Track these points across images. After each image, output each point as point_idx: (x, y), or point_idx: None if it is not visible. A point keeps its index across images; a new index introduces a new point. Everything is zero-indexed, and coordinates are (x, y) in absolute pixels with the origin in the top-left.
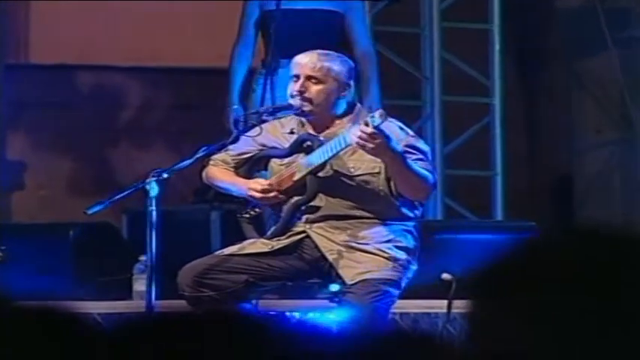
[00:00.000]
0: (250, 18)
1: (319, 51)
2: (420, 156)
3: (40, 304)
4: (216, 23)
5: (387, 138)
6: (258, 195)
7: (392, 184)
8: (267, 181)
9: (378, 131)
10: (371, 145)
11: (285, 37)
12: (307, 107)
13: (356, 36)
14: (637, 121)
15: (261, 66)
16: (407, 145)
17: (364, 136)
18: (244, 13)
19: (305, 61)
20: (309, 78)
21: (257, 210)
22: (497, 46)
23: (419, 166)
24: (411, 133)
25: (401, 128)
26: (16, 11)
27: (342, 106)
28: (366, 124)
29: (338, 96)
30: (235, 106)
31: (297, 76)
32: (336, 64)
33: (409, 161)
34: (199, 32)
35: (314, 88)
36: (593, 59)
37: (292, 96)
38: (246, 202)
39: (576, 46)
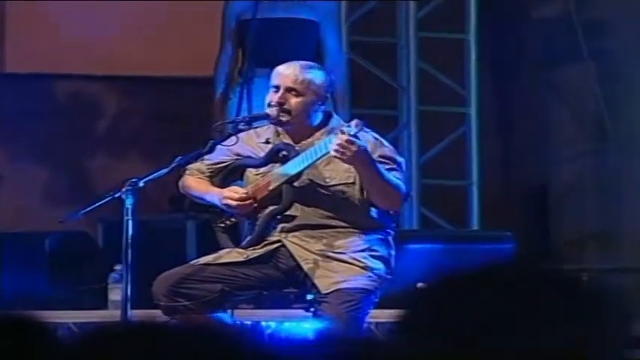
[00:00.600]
0: (228, 30)
1: (301, 62)
2: (394, 166)
3: (10, 313)
4: (192, 33)
5: (362, 147)
6: (233, 203)
7: (365, 192)
8: (244, 190)
9: (354, 140)
10: (348, 154)
11: (261, 46)
12: (285, 118)
13: (328, 46)
14: (612, 132)
15: (237, 75)
16: (381, 156)
17: (342, 144)
18: (223, 24)
19: (287, 73)
20: (289, 90)
21: (232, 220)
22: (473, 56)
23: (392, 176)
24: (385, 143)
25: (376, 138)
26: None
27: (318, 117)
28: (342, 133)
29: (316, 108)
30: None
31: (277, 87)
32: (317, 77)
33: (382, 170)
34: (175, 42)
35: (293, 100)
36: (569, 70)
37: (270, 105)
38: (221, 211)
39: (552, 57)
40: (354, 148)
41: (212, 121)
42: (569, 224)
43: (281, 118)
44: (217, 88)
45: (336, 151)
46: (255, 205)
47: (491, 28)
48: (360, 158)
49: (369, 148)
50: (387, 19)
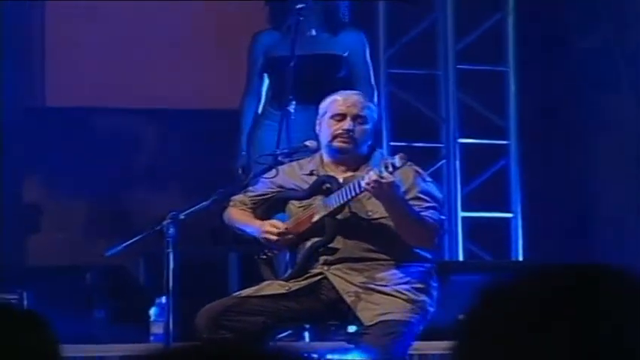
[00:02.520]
0: (255, 67)
1: (356, 92)
2: (433, 204)
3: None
4: (231, 66)
5: (392, 185)
6: (273, 238)
7: None
8: (284, 225)
9: (386, 177)
10: (379, 190)
11: (296, 81)
12: (351, 145)
13: (357, 79)
14: None
15: (267, 108)
16: (421, 191)
17: (375, 179)
18: (249, 63)
19: (352, 101)
20: (355, 118)
21: (274, 252)
22: (512, 88)
23: (426, 215)
24: (427, 178)
25: (418, 173)
26: (33, 56)
27: (366, 149)
28: (386, 166)
29: (369, 138)
30: (244, 153)
31: (343, 115)
32: (373, 107)
33: (411, 210)
34: (214, 75)
35: (359, 128)
36: (609, 99)
37: (336, 135)
38: (263, 243)
39: (592, 87)
40: (385, 185)
41: (236, 153)
42: (611, 256)
43: (348, 146)
44: (245, 121)
45: (367, 184)
46: (295, 239)
47: (529, 59)
48: (388, 196)
49: (409, 182)
50: (426, 52)
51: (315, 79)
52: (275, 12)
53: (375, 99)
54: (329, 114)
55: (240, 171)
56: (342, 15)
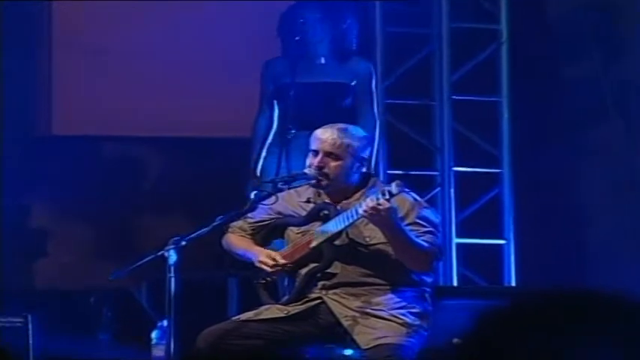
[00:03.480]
0: (266, 93)
1: (339, 126)
2: (430, 228)
3: None
4: (234, 96)
5: (389, 211)
6: (267, 269)
7: None
8: (279, 255)
9: (382, 204)
10: (377, 216)
11: (299, 108)
12: (324, 181)
13: (362, 107)
14: None
15: (274, 136)
16: (418, 217)
17: (372, 206)
18: (261, 89)
19: (325, 137)
20: (327, 154)
21: (273, 277)
22: (505, 117)
23: (424, 240)
24: (424, 204)
25: (415, 199)
26: (40, 85)
27: (357, 178)
28: (383, 194)
29: (354, 170)
30: (256, 177)
31: (316, 152)
32: (355, 140)
33: (409, 235)
34: (218, 104)
35: (332, 164)
36: (599, 127)
37: (310, 169)
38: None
39: (581, 116)
40: (383, 211)
41: (249, 181)
42: (604, 281)
43: (320, 182)
44: (254, 148)
45: (365, 211)
46: (288, 268)
47: (522, 90)
48: (386, 222)
49: (406, 208)
50: (422, 83)
51: (321, 107)
52: (285, 41)
53: (377, 129)
54: (310, 147)
55: (252, 195)
56: (350, 43)
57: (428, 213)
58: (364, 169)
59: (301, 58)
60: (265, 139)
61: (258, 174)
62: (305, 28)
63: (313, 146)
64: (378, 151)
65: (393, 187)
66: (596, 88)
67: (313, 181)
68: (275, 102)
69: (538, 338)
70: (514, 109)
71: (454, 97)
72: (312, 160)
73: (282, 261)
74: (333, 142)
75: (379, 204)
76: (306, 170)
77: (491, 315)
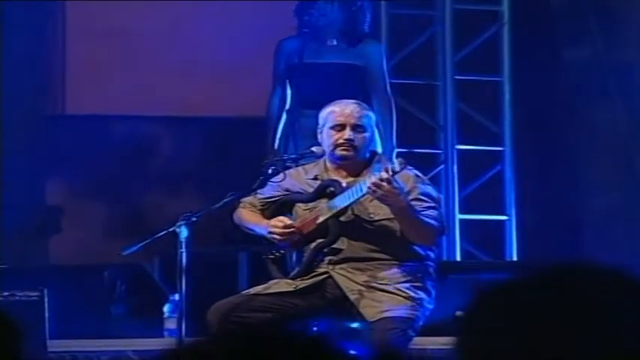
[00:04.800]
0: (278, 73)
1: (355, 101)
2: (432, 204)
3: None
4: (244, 75)
5: (395, 188)
6: (278, 231)
7: None
8: (289, 220)
9: (389, 180)
10: (380, 192)
11: (307, 89)
12: (352, 153)
13: (374, 88)
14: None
15: (284, 115)
16: (421, 193)
17: (376, 183)
18: (273, 69)
19: (349, 111)
20: (355, 127)
21: (282, 251)
22: (507, 97)
23: (427, 215)
24: (426, 181)
25: (417, 176)
26: (53, 65)
27: (367, 154)
28: (387, 171)
29: (370, 145)
30: (273, 152)
31: (342, 125)
32: (372, 114)
33: (414, 210)
34: (228, 83)
35: (360, 136)
36: (599, 107)
37: (337, 145)
38: (271, 243)
39: (582, 95)
40: (386, 187)
41: (268, 158)
42: (602, 256)
43: (348, 154)
44: (269, 129)
45: (369, 188)
46: (299, 236)
47: (523, 70)
48: (391, 198)
49: (410, 185)
50: (426, 63)
51: (330, 87)
52: (301, 20)
53: (393, 109)
54: (328, 125)
55: (270, 171)
56: (361, 25)
57: (429, 189)
58: (374, 146)
59: (313, 39)
60: (279, 117)
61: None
62: (318, 9)
63: (337, 121)
64: (394, 130)
65: (397, 165)
66: (597, 68)
67: (340, 154)
68: (287, 81)
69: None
70: (515, 89)
71: (457, 77)
72: (337, 135)
73: (290, 223)
74: (359, 115)
75: (383, 181)
76: (314, 148)
77: (491, 288)
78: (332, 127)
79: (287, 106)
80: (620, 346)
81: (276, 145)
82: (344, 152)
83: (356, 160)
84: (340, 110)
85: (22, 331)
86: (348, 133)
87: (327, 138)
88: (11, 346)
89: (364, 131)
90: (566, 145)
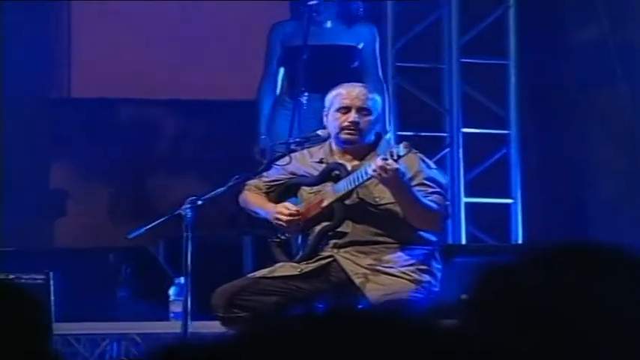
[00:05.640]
0: (273, 55)
1: (362, 84)
2: (437, 189)
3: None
4: (249, 58)
5: (398, 172)
6: (284, 219)
7: None
8: (295, 207)
9: (391, 165)
10: (384, 176)
11: (309, 71)
12: (357, 137)
13: (366, 71)
14: None
15: (283, 98)
16: (426, 178)
17: (381, 166)
18: (267, 51)
19: (355, 93)
20: (360, 109)
21: (286, 235)
22: (513, 80)
23: (431, 200)
24: (431, 165)
25: (422, 160)
26: (58, 48)
27: (371, 138)
28: (391, 155)
29: (375, 128)
30: (263, 137)
31: (348, 108)
32: (377, 97)
33: (417, 195)
34: (233, 67)
35: (365, 119)
36: (605, 90)
37: (343, 127)
38: (276, 227)
39: (588, 79)
40: (391, 172)
41: (257, 142)
42: (607, 238)
43: (353, 138)
44: (261, 110)
45: (374, 170)
46: (304, 222)
47: (529, 52)
48: (394, 183)
49: (414, 169)
50: (432, 46)
51: (329, 69)
52: (296, 3)
53: (385, 91)
54: (334, 107)
55: (258, 155)
56: (357, 7)
57: (435, 174)
58: (379, 128)
59: (309, 22)
60: (270, 101)
61: (265, 135)
62: None
63: (343, 104)
64: (389, 113)
65: (401, 149)
66: (603, 51)
67: (345, 137)
68: (282, 65)
69: (539, 293)
70: (521, 72)
71: (463, 60)
72: (343, 117)
73: (295, 210)
74: (365, 98)
75: (387, 164)
76: (319, 132)
77: (494, 270)
78: (338, 110)
79: (279, 89)
80: (621, 325)
81: (263, 129)
82: (348, 136)
83: (362, 144)
84: (347, 93)
85: (48, 311)
86: (353, 116)
87: (332, 120)
88: (41, 323)
89: (369, 114)
90: (572, 127)
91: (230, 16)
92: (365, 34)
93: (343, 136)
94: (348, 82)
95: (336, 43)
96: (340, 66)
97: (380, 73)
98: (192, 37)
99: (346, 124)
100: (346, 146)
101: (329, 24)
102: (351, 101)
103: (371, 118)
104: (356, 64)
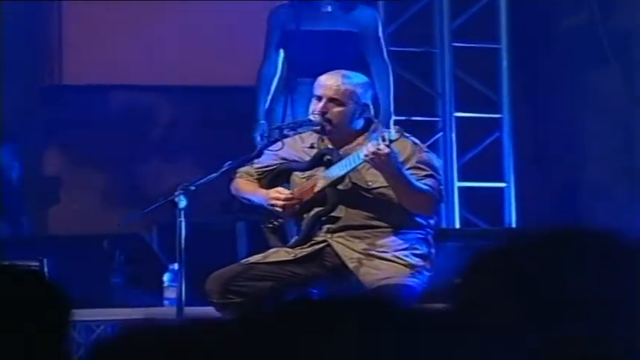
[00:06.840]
0: (273, 40)
1: (342, 72)
2: (431, 172)
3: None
4: (241, 45)
5: (392, 156)
6: (279, 203)
7: None
8: (289, 191)
9: (384, 149)
10: (377, 161)
11: (304, 57)
12: (327, 127)
13: (371, 55)
14: (637, 132)
15: (281, 85)
16: (419, 161)
17: (373, 151)
18: (267, 35)
19: (329, 84)
20: (331, 100)
21: (280, 220)
22: (505, 64)
23: (424, 183)
24: (424, 148)
25: (415, 144)
26: (50, 35)
27: (359, 124)
28: (383, 139)
29: (357, 115)
30: (262, 122)
31: (320, 97)
32: (358, 87)
33: (410, 179)
34: (225, 53)
35: (335, 110)
36: (596, 74)
37: (313, 114)
38: (269, 212)
39: (579, 63)
40: (383, 156)
41: (256, 127)
42: (600, 222)
43: (324, 127)
44: (260, 95)
45: (366, 155)
46: (299, 205)
47: (521, 37)
48: (387, 167)
49: (407, 153)
50: (424, 30)
51: (327, 55)
52: None
53: (390, 75)
54: (313, 94)
55: (258, 139)
56: None
57: (428, 157)
58: (367, 115)
59: (308, 6)
60: (270, 85)
61: (264, 120)
62: None
63: (317, 92)
64: (392, 97)
65: (393, 133)
66: (595, 35)
67: (317, 127)
68: (281, 49)
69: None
70: (513, 56)
71: (455, 44)
72: (315, 106)
73: (289, 193)
74: (337, 88)
75: (379, 149)
76: (311, 117)
77: (487, 254)
78: (314, 97)
79: (279, 74)
80: (615, 308)
81: (262, 115)
82: (317, 120)
83: (342, 132)
84: (322, 81)
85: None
86: (321, 106)
87: (310, 107)
88: (64, 317)
89: (341, 105)
90: (564, 111)
91: (226, 2)
92: (366, 18)
93: (311, 118)
94: (344, 68)
95: (333, 28)
96: (337, 51)
97: (385, 56)
98: (185, 22)
99: (315, 113)
100: (319, 134)
101: (329, 8)
102: (323, 91)
103: (343, 109)
104: (353, 49)
